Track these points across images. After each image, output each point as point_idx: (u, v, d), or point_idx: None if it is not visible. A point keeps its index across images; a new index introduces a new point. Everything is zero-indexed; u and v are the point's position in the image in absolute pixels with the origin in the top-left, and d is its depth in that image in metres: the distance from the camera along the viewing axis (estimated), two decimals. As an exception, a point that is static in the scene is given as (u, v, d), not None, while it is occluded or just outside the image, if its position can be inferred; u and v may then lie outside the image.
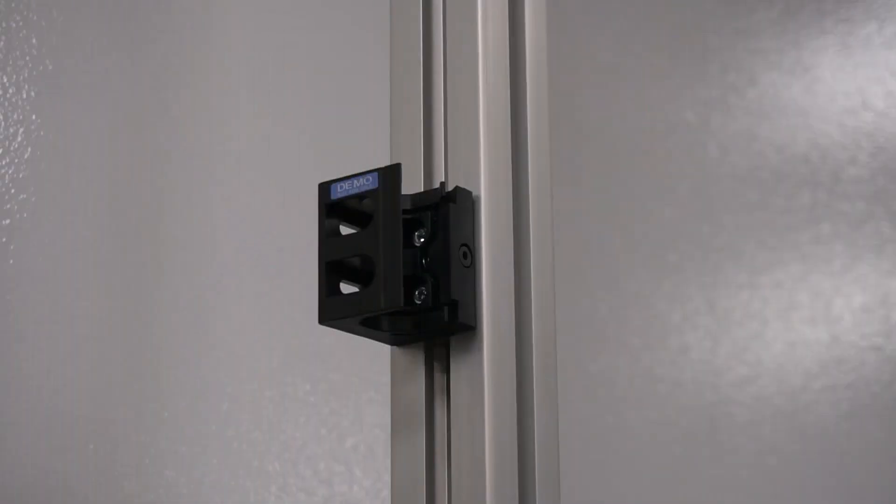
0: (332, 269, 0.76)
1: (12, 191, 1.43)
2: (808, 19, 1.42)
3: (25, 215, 1.43)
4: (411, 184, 0.79)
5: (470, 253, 0.76)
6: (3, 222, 1.43)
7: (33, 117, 1.45)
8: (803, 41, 1.42)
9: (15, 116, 1.45)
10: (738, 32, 1.42)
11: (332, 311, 0.75)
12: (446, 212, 0.76)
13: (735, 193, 1.41)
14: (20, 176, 1.44)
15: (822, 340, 1.38)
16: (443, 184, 0.78)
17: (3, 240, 1.45)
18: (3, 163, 1.44)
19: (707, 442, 1.37)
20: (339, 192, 0.75)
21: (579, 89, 1.44)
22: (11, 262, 1.44)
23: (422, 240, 0.76)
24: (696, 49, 1.43)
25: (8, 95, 1.46)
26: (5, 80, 1.46)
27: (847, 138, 1.40)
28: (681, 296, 1.40)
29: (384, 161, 0.80)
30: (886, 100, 1.40)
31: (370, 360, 1.33)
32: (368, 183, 0.75)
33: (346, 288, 0.77)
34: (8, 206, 1.43)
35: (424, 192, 0.78)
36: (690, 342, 1.39)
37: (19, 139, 1.45)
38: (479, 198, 0.77)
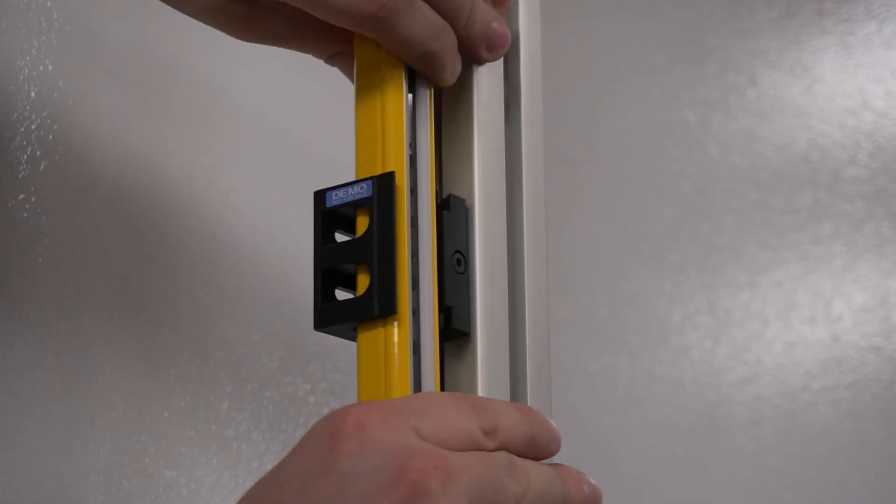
0: (327, 275, 0.76)
1: (12, 191, 1.43)
2: (808, 19, 1.42)
3: (25, 215, 1.43)
4: (406, 191, 0.79)
5: (464, 259, 0.77)
6: (3, 222, 1.43)
7: (33, 117, 1.45)
8: (803, 41, 1.42)
9: (15, 116, 1.45)
10: (738, 32, 1.42)
11: (327, 318, 0.76)
12: (440, 219, 0.76)
13: (735, 193, 1.41)
14: (20, 176, 1.44)
15: (822, 340, 1.38)
16: (437, 191, 0.78)
17: (4, 240, 1.45)
18: (3, 162, 1.44)
19: (707, 442, 1.37)
20: (334, 199, 0.76)
21: (578, 89, 1.44)
22: (12, 261, 1.44)
23: (415, 247, 0.77)
24: (695, 49, 1.43)
25: (8, 95, 1.46)
26: (5, 80, 1.46)
27: (847, 138, 1.40)
28: (681, 296, 1.40)
29: (379, 168, 0.80)
30: (886, 100, 1.40)
31: (370, 360, 1.33)
32: (363, 191, 0.75)
33: (342, 294, 0.77)
34: (8, 205, 1.43)
35: (418, 200, 0.78)
36: (690, 342, 1.39)
37: (19, 139, 1.45)
38: (472, 205, 0.77)
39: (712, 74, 1.42)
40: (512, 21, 0.83)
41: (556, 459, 0.76)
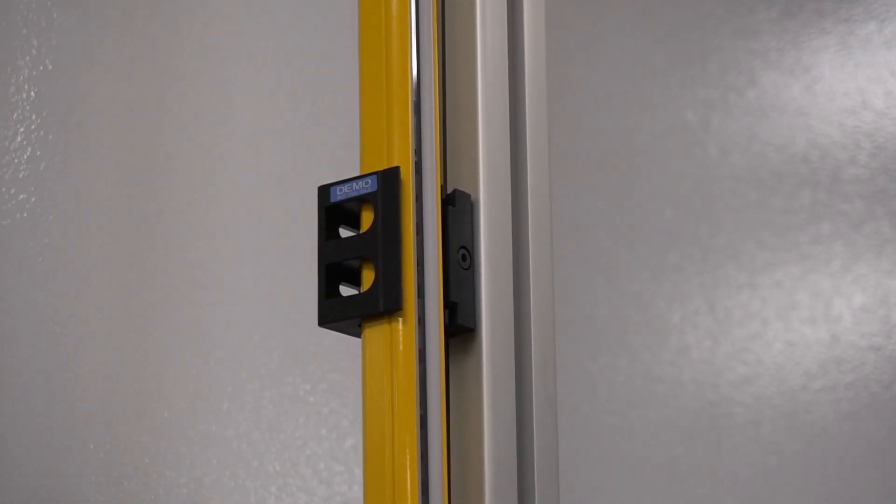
0: (331, 271, 0.76)
1: (12, 191, 1.43)
2: (808, 19, 1.42)
3: (25, 215, 1.43)
4: (410, 186, 0.79)
5: (469, 255, 0.77)
6: (3, 222, 1.43)
7: (33, 117, 1.45)
8: (803, 41, 1.42)
9: (15, 116, 1.45)
10: (738, 32, 1.42)
11: (332, 314, 0.76)
12: (445, 214, 0.76)
13: (735, 193, 1.41)
14: (20, 176, 1.44)
15: (822, 340, 1.38)
16: (442, 187, 0.78)
17: (4, 240, 1.45)
18: (3, 162, 1.44)
19: (707, 442, 1.37)
20: (338, 194, 0.76)
21: (579, 90, 1.44)
22: (12, 262, 1.44)
23: (421, 242, 0.77)
24: (696, 49, 1.43)
25: (8, 95, 1.46)
26: (5, 80, 1.46)
27: (847, 138, 1.40)
28: (681, 296, 1.40)
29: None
30: (886, 100, 1.40)
31: (370, 360, 1.33)
32: (368, 186, 0.75)
33: (346, 290, 0.77)
34: (8, 205, 1.43)
35: (423, 195, 0.78)
36: (690, 342, 1.39)
37: (19, 139, 1.45)
38: (477, 200, 0.77)
39: (712, 75, 1.42)
40: (517, 22, 0.83)
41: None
